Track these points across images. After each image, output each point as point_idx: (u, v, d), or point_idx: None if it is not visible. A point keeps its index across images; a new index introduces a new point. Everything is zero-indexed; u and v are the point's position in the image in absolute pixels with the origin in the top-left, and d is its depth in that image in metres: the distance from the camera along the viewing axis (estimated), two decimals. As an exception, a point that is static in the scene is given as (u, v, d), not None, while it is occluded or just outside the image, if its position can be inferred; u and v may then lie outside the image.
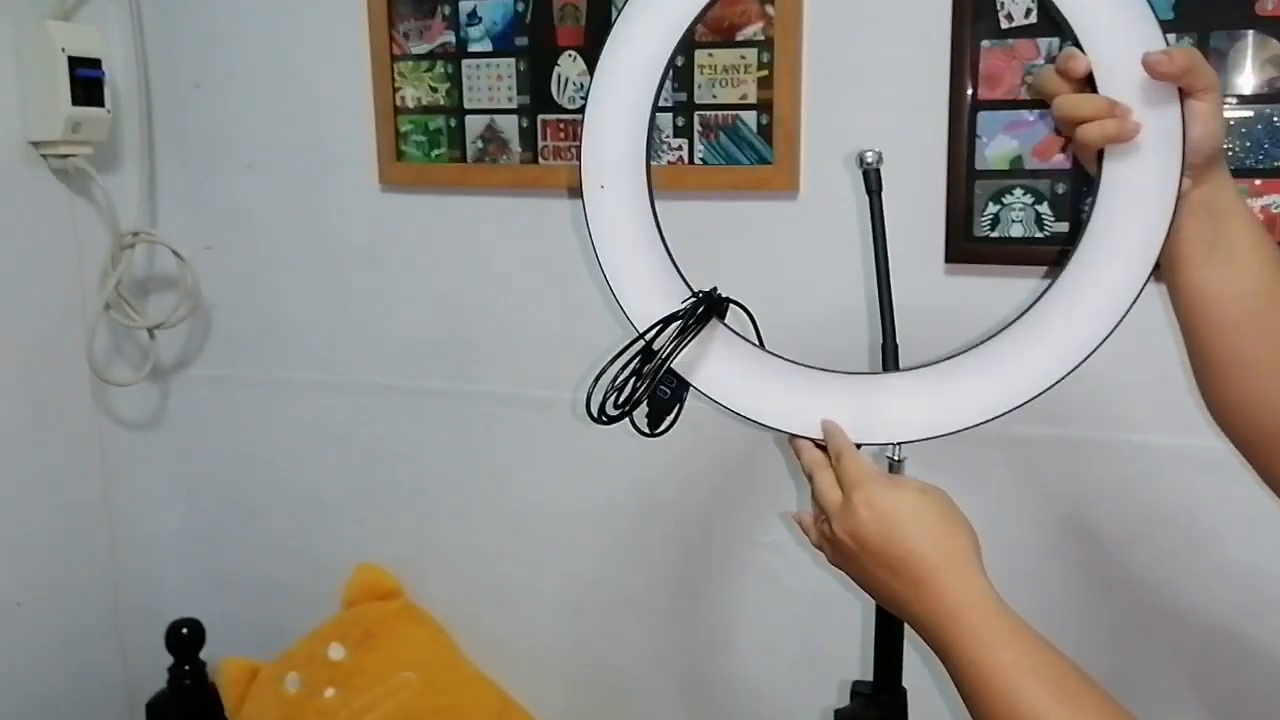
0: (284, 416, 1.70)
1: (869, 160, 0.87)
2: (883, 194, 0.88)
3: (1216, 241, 0.78)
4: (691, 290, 0.90)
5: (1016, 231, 1.23)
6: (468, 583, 1.64)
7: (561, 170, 1.44)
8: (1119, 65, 0.74)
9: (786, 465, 1.40)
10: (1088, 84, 0.77)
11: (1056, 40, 1.18)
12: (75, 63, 1.52)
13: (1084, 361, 0.78)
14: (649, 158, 0.91)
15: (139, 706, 1.64)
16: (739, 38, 1.32)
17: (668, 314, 0.87)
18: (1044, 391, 0.79)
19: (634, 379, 0.85)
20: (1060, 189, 1.21)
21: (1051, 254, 1.22)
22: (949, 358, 0.82)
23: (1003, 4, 1.19)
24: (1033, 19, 1.18)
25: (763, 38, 1.31)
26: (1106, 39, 0.74)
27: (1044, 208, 1.22)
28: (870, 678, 0.86)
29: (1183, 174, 0.75)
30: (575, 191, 1.42)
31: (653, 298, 0.90)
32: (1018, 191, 1.23)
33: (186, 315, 1.66)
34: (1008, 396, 0.79)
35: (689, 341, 0.85)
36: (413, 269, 1.57)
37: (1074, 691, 0.70)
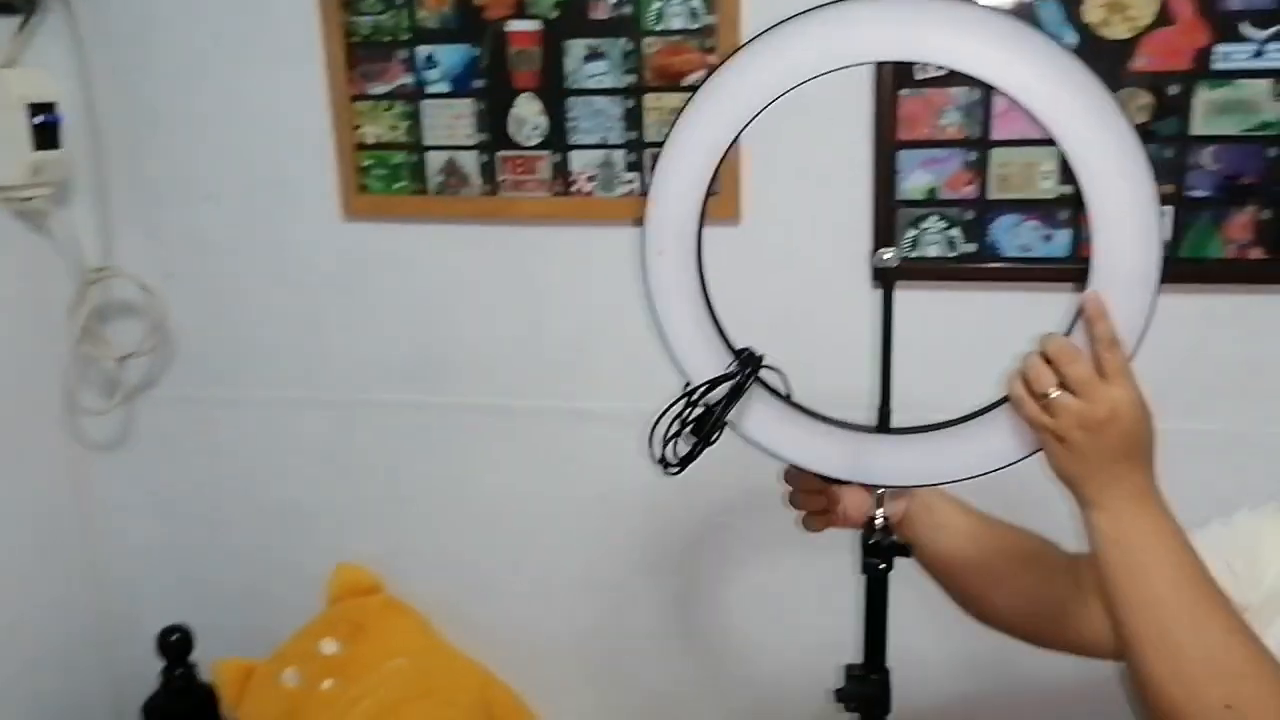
0: (254, 432, 1.80)
1: (885, 259, 0.97)
2: (893, 291, 0.99)
3: (933, 520, 1.09)
4: (733, 349, 1.02)
5: (933, 251, 1.44)
6: (446, 577, 1.78)
7: (522, 202, 1.57)
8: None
9: (740, 459, 1.59)
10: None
11: (964, 89, 1.37)
12: (33, 109, 1.57)
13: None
14: (700, 229, 1.01)
15: (130, 712, 1.74)
16: (684, 82, 1.47)
17: (719, 375, 1.00)
18: (1006, 466, 0.96)
19: (684, 427, 0.97)
20: (969, 215, 1.41)
21: (960, 270, 1.43)
22: (934, 428, 0.98)
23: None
24: (943, 71, 1.37)
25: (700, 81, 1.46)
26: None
27: (955, 231, 1.42)
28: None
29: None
30: (538, 219, 1.57)
31: (697, 348, 1.04)
32: (933, 218, 1.42)
33: (156, 345, 1.73)
34: (982, 462, 0.96)
35: (740, 399, 0.98)
36: (379, 292, 1.68)
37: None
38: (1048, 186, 1.38)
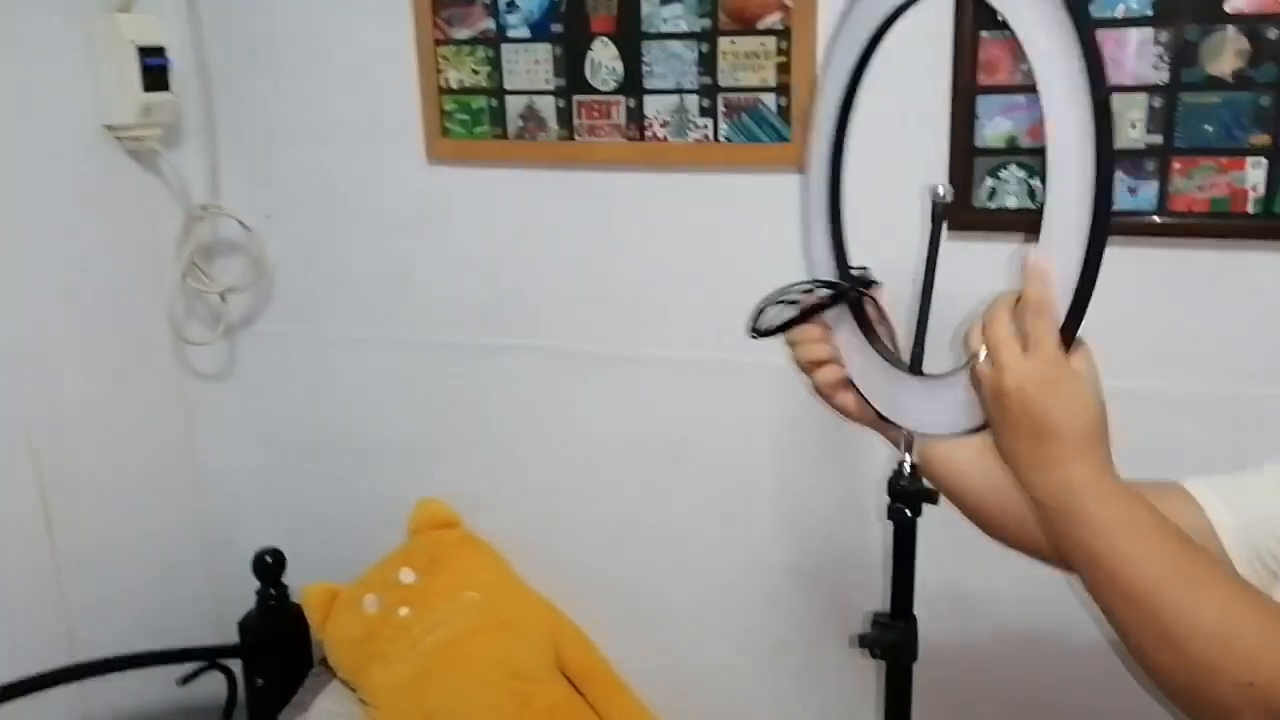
0: (346, 368, 1.87)
1: (940, 195, 0.97)
2: (942, 222, 0.97)
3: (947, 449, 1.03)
4: (846, 267, 1.03)
5: (1012, 202, 1.38)
6: (520, 515, 1.82)
7: (596, 146, 1.58)
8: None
9: (807, 407, 1.57)
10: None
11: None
12: (143, 52, 1.65)
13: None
14: (838, 152, 1.07)
15: (228, 627, 1.85)
16: (759, 26, 1.45)
17: (831, 280, 1.02)
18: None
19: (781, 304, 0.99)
20: (1050, 165, 1.35)
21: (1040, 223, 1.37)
22: (956, 371, 0.96)
23: None
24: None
25: (781, 27, 1.43)
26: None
27: (1036, 181, 1.36)
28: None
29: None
30: (612, 164, 1.57)
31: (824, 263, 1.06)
32: (1013, 167, 1.37)
33: (254, 281, 1.82)
34: None
35: (835, 305, 0.99)
36: (461, 235, 1.72)
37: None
38: (1134, 136, 1.30)
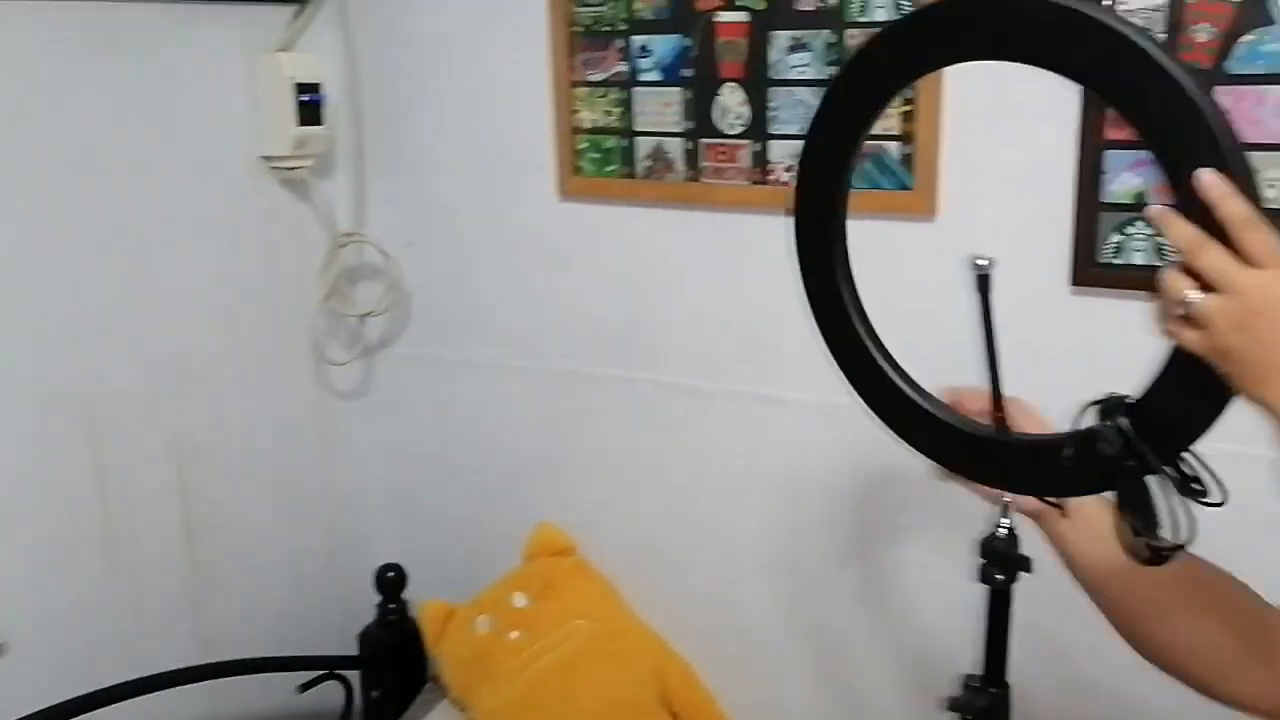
0: (477, 392, 1.94)
1: (981, 265, 0.93)
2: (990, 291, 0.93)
3: (1091, 531, 0.97)
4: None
5: (1139, 259, 1.35)
6: (635, 546, 1.85)
7: (721, 188, 1.61)
8: None
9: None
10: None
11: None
12: (300, 88, 1.76)
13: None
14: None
15: (349, 639, 1.93)
16: (885, 75, 1.45)
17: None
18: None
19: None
20: (1181, 222, 1.31)
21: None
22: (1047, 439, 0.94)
23: (1131, 54, 1.29)
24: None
25: (907, 76, 1.44)
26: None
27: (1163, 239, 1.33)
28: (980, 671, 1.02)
29: None
30: (736, 206, 1.60)
31: None
32: (1140, 224, 1.34)
33: (391, 304, 1.91)
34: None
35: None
36: (589, 269, 1.77)
37: None
38: (1273, 196, 1.26)
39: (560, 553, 1.88)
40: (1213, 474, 0.82)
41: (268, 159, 1.80)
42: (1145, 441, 0.82)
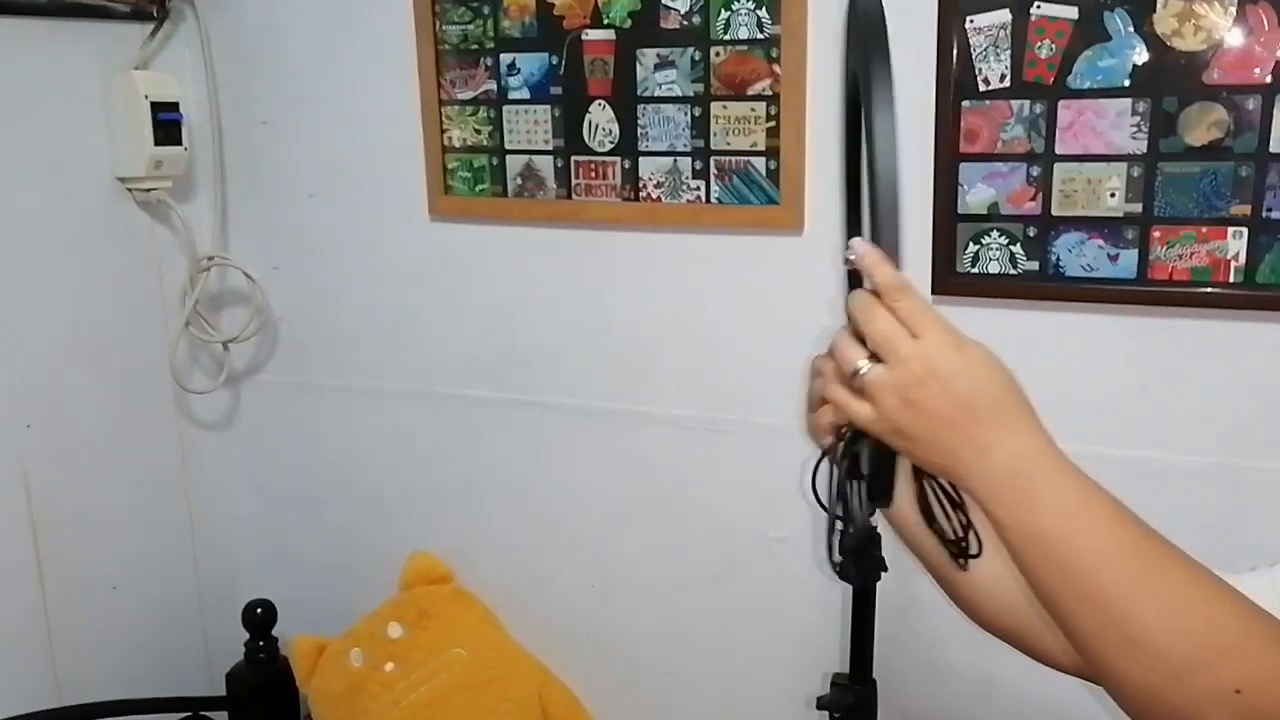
0: (345, 419, 1.89)
1: (851, 260, 0.92)
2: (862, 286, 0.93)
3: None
4: None
5: (994, 268, 1.40)
6: (512, 570, 1.82)
7: (593, 205, 1.61)
8: None
9: (798, 469, 1.57)
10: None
11: (1028, 102, 1.33)
12: (156, 107, 1.71)
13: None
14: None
15: (218, 678, 1.85)
16: (750, 92, 1.48)
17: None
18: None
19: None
20: (1031, 231, 1.37)
21: (1022, 289, 1.38)
22: None
23: (980, 70, 1.34)
24: (1007, 83, 1.33)
25: (770, 93, 1.47)
26: None
27: (1017, 248, 1.38)
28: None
29: None
30: (608, 224, 1.60)
31: None
32: (995, 233, 1.38)
33: (257, 330, 1.85)
34: None
35: None
36: (461, 290, 1.75)
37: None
38: (1113, 204, 1.32)
39: (437, 581, 1.84)
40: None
41: (124, 180, 1.74)
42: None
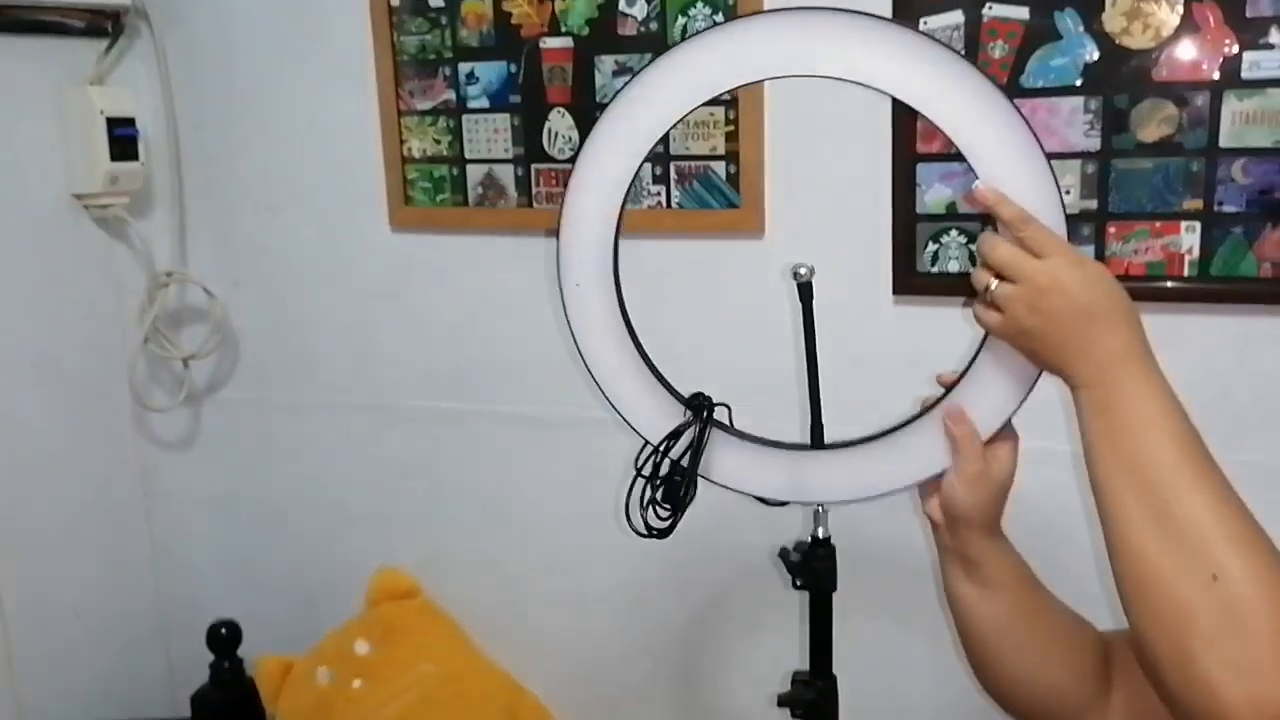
0: (308, 435, 1.88)
1: (802, 274, 0.97)
2: (812, 299, 0.99)
3: (970, 571, 0.98)
4: (680, 397, 1.00)
5: (953, 267, 1.41)
6: (479, 584, 1.81)
7: (554, 213, 1.60)
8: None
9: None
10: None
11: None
12: (112, 123, 1.69)
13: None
14: (616, 265, 1.03)
15: (183, 700, 1.82)
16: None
17: (674, 429, 0.98)
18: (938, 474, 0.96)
19: (656, 490, 0.97)
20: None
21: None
22: (862, 441, 0.98)
23: (936, 70, 1.35)
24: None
25: (729, 97, 1.47)
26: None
27: (974, 246, 1.39)
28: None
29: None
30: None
31: (638, 390, 1.03)
32: (953, 232, 1.40)
33: (217, 346, 1.83)
34: (911, 472, 0.96)
35: (703, 450, 0.97)
36: (423, 301, 1.74)
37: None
38: (1068, 201, 1.33)
39: (403, 596, 1.82)
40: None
41: (80, 197, 1.72)
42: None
